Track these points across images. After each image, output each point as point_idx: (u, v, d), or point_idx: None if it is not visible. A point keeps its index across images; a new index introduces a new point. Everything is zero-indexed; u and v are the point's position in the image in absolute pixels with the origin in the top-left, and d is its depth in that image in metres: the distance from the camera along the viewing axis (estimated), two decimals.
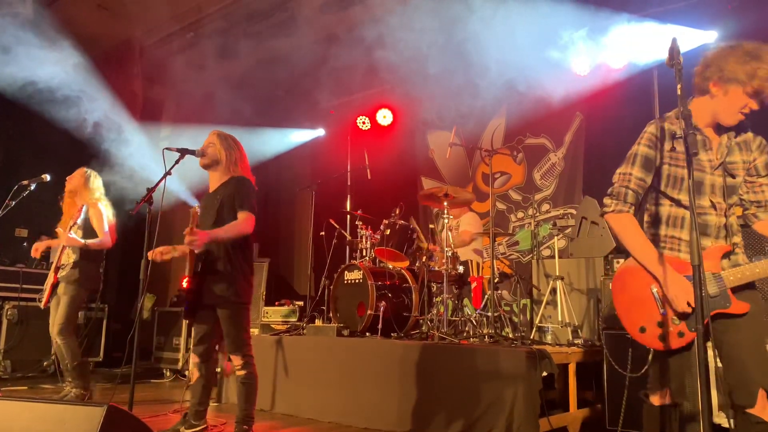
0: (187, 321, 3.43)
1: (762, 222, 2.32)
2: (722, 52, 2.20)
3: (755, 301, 2.20)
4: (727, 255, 2.24)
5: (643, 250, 2.24)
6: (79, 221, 4.66)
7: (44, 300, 4.78)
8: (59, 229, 4.76)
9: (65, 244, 4.64)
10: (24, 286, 6.35)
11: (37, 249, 4.80)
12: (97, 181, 4.94)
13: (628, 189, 2.29)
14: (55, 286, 4.74)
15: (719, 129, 2.29)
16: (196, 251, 3.21)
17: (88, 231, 4.76)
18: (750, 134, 2.34)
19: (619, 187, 2.31)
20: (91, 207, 4.77)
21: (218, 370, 5.29)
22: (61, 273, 4.73)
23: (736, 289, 2.18)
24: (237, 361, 3.30)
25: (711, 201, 2.24)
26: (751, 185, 2.29)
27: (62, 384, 4.89)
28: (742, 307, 2.16)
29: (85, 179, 4.87)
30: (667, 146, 2.26)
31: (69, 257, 4.73)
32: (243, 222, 3.25)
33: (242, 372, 3.30)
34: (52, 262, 4.84)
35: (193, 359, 3.46)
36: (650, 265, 2.22)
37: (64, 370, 4.76)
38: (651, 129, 2.31)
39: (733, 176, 2.25)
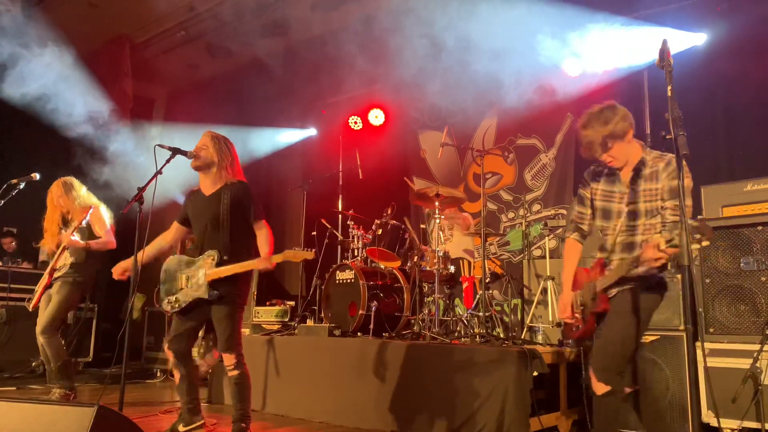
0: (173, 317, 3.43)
1: None
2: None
3: (623, 303, 2.72)
4: (604, 265, 2.82)
5: (565, 270, 2.98)
6: (84, 224, 4.64)
7: (34, 302, 4.74)
8: (62, 232, 4.70)
9: (66, 244, 4.61)
10: (13, 285, 6.30)
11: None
12: (75, 186, 4.84)
13: (572, 220, 3.03)
14: (47, 287, 4.71)
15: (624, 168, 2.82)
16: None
17: (89, 234, 4.74)
18: (662, 165, 2.70)
19: (569, 220, 3.09)
20: (92, 210, 4.74)
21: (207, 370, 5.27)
22: (57, 274, 4.70)
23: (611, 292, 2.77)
24: (229, 360, 3.30)
25: (615, 225, 2.81)
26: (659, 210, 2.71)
27: (50, 385, 4.85)
28: (605, 307, 2.76)
29: (63, 191, 4.78)
30: (594, 185, 2.91)
31: (67, 259, 4.71)
32: (269, 234, 3.41)
33: (235, 372, 3.31)
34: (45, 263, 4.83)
35: (170, 357, 3.40)
36: (563, 283, 2.98)
37: (54, 374, 4.72)
38: (584, 175, 3.00)
39: (635, 203, 2.74)
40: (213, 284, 3.27)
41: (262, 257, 3.25)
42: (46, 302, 4.70)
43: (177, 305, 3.36)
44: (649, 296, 2.72)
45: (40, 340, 4.55)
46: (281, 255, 3.20)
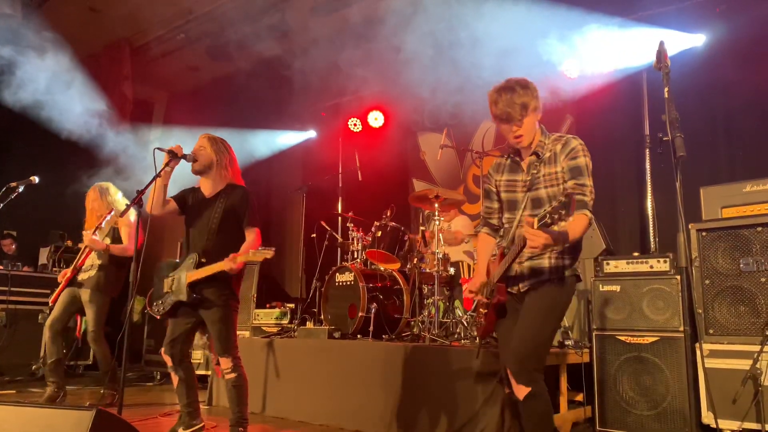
0: (164, 319, 3.43)
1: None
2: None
3: (535, 299, 2.60)
4: (504, 255, 2.68)
5: (478, 263, 2.89)
6: (103, 225, 4.71)
7: (53, 297, 4.85)
8: (85, 232, 4.80)
9: (88, 245, 4.71)
10: (13, 289, 6.30)
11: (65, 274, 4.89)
12: (111, 192, 4.95)
13: (481, 216, 2.96)
14: (69, 283, 4.80)
15: (526, 152, 2.74)
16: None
17: (116, 238, 4.84)
18: (559, 147, 2.64)
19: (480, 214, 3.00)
20: (115, 213, 4.80)
21: (209, 373, 5.27)
22: (83, 276, 4.78)
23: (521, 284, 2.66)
24: (226, 363, 3.30)
25: (521, 216, 2.66)
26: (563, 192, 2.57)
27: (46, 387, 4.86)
28: (500, 298, 2.65)
29: (98, 195, 4.91)
30: (498, 177, 2.83)
31: (94, 261, 4.80)
32: (255, 240, 3.38)
33: (232, 375, 3.30)
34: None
35: (167, 361, 3.41)
36: (475, 274, 2.88)
37: (46, 371, 4.75)
38: (488, 170, 2.93)
39: (537, 189, 2.64)
40: (199, 288, 3.27)
41: (227, 258, 3.19)
42: (64, 298, 4.78)
43: (162, 308, 3.39)
44: (561, 291, 2.62)
45: (91, 347, 4.85)
46: (243, 255, 3.17)
